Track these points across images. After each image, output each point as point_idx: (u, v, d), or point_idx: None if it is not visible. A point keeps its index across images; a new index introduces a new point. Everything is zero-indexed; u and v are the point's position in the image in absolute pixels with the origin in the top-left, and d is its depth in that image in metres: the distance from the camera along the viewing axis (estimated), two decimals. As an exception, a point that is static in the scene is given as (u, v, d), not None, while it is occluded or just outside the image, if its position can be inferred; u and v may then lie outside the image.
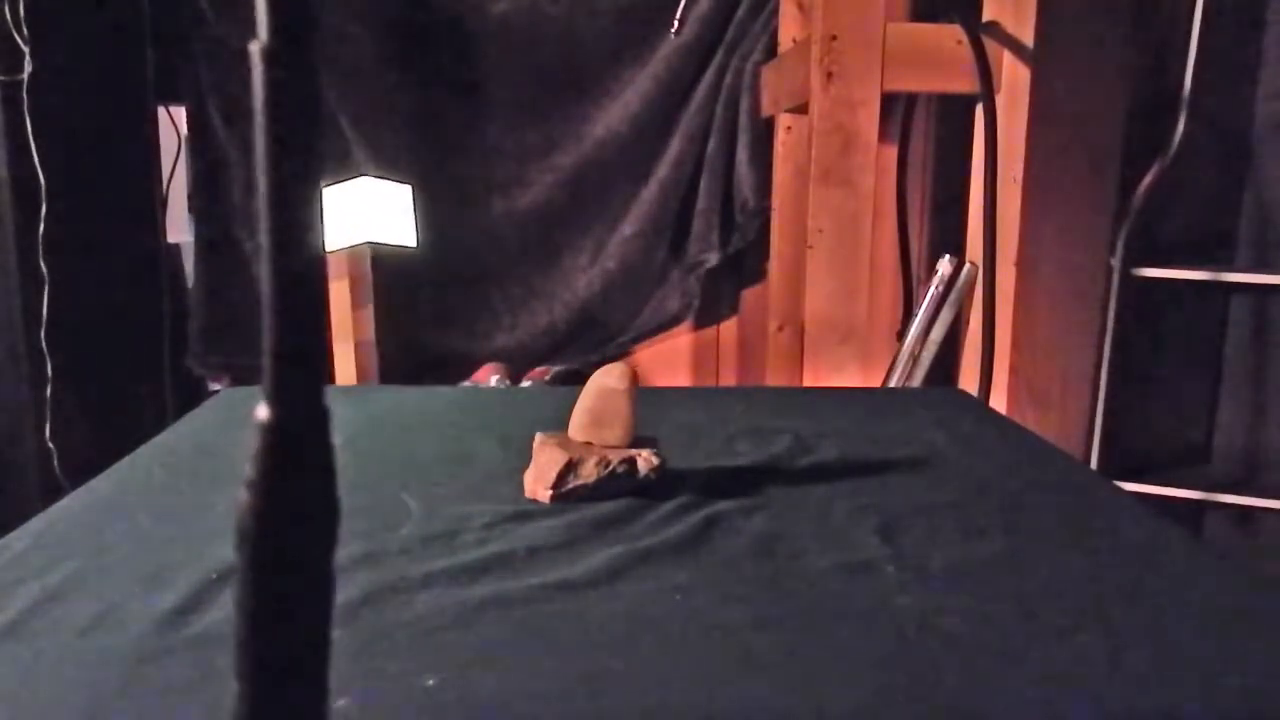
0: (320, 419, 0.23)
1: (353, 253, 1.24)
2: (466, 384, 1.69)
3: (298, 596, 0.23)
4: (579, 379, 1.66)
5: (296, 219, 0.22)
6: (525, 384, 1.84)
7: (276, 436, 0.23)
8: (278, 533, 0.23)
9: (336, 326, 1.27)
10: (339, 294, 1.25)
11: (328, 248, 1.28)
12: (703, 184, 2.07)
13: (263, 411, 0.22)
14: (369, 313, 1.27)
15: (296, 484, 0.23)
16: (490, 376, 1.80)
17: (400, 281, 2.09)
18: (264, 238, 0.22)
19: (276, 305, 0.22)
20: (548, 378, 1.94)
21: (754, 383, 2.09)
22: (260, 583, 0.23)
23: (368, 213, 1.28)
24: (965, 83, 1.49)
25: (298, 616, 0.24)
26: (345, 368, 1.20)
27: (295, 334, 0.23)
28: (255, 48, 0.22)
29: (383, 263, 2.08)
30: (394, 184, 1.33)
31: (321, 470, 0.23)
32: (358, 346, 1.20)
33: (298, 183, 0.22)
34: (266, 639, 0.23)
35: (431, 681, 0.47)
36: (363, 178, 1.28)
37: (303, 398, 0.23)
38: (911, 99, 1.85)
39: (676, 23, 1.80)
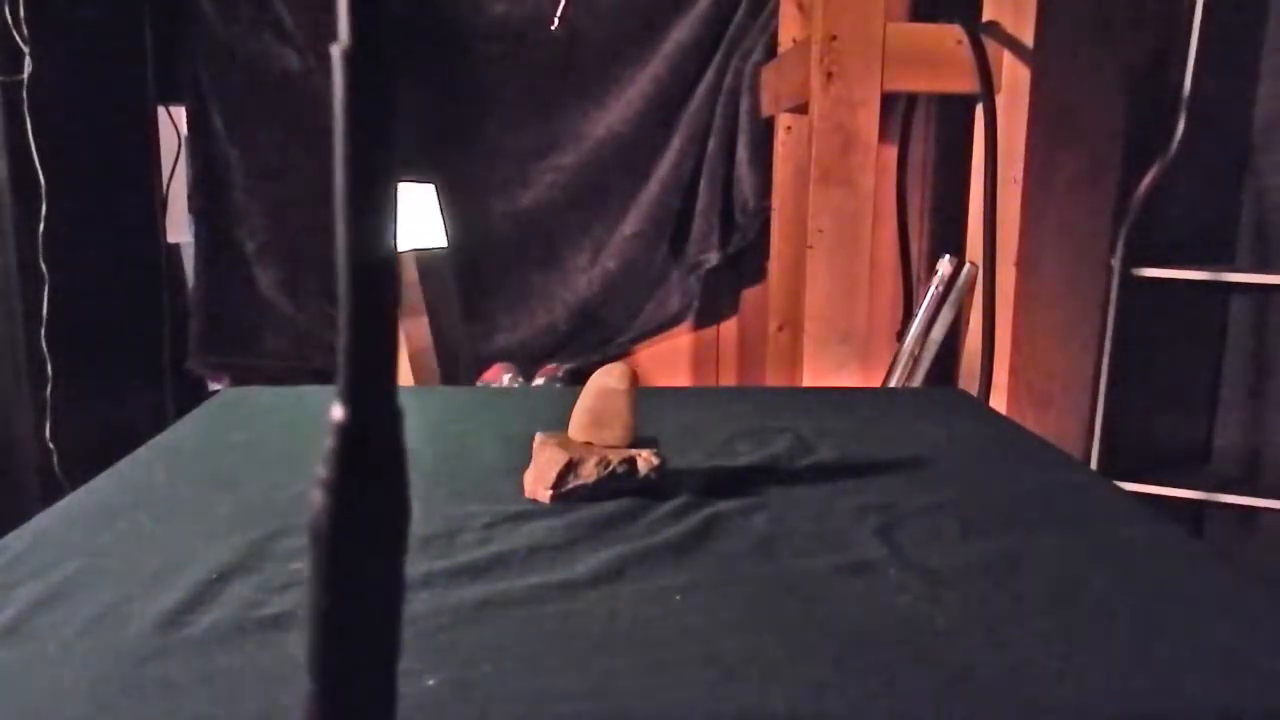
0: (393, 420, 0.23)
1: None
2: (479, 384, 1.69)
3: (370, 596, 0.24)
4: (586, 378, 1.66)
5: (373, 220, 0.23)
6: (538, 382, 1.84)
7: (351, 437, 0.23)
8: (352, 533, 0.23)
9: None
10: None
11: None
12: (703, 184, 2.07)
13: (338, 412, 0.23)
14: (422, 322, 1.23)
15: (370, 485, 0.23)
16: (502, 375, 1.80)
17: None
18: (340, 238, 0.22)
19: (352, 306, 0.23)
20: (559, 374, 1.94)
21: (754, 383, 2.09)
22: (333, 582, 0.23)
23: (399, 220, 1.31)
24: (965, 83, 1.49)
25: (370, 615, 0.24)
26: (404, 379, 1.19)
27: (370, 334, 0.23)
28: (336, 50, 0.22)
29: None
30: (417, 184, 1.29)
31: (394, 471, 0.24)
32: (413, 357, 1.17)
33: (375, 184, 0.23)
34: (339, 638, 0.24)
35: (432, 681, 0.47)
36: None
37: (377, 398, 0.23)
38: (911, 99, 1.85)
39: (558, 19, 1.80)
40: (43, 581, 0.57)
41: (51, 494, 1.57)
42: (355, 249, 0.23)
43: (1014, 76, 1.49)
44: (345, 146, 0.22)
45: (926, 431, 0.94)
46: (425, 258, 1.21)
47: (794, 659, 0.50)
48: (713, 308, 2.20)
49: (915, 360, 1.62)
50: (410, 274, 1.24)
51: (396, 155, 0.23)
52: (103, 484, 0.77)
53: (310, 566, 0.23)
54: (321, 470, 0.23)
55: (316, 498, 0.23)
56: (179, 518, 0.69)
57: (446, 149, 2.06)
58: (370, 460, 0.23)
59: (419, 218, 1.28)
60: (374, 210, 0.23)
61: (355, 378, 0.23)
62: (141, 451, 0.87)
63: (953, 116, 1.81)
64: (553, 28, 1.81)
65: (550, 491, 0.72)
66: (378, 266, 0.23)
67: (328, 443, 0.23)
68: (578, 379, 1.68)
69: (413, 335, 1.20)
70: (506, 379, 1.79)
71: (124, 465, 0.82)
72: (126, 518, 0.69)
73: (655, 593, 0.58)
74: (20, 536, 0.64)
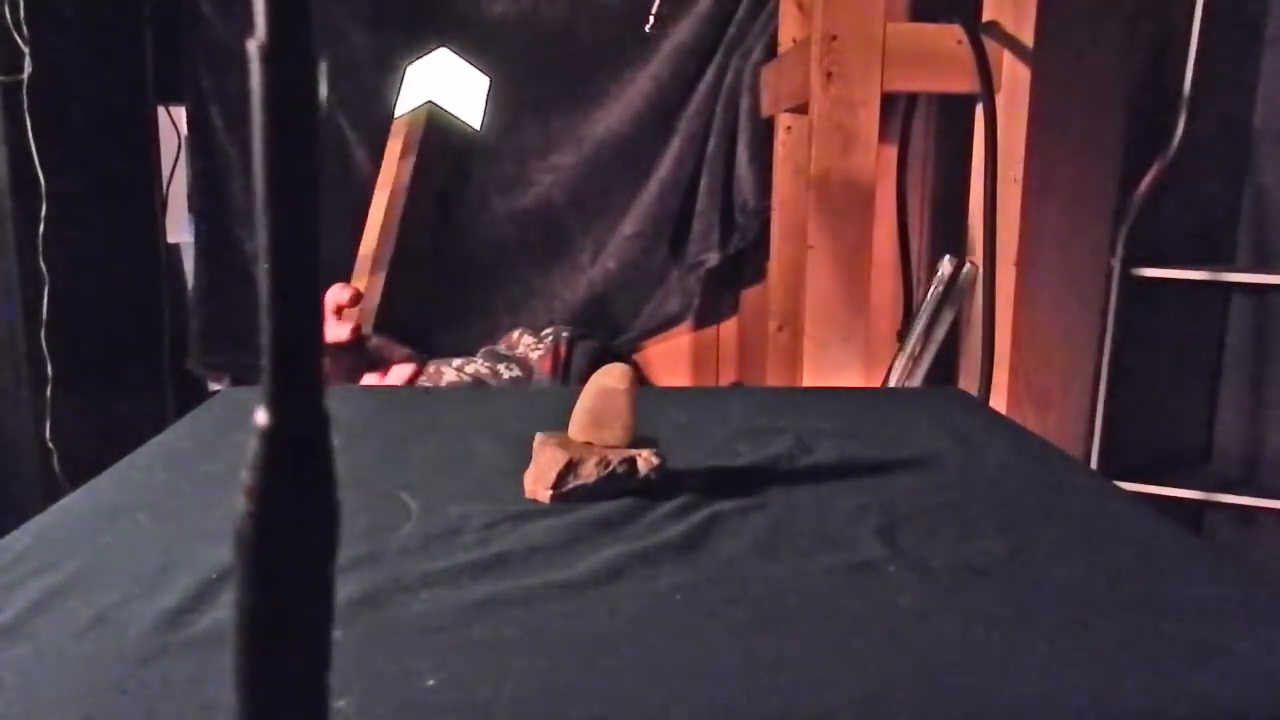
0: (320, 424, 0.23)
1: (413, 118, 1.19)
2: (500, 347, 1.69)
3: (298, 603, 0.23)
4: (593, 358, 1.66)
5: (296, 220, 0.22)
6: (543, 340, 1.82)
7: (275, 442, 0.22)
8: (277, 539, 0.23)
9: (383, 174, 1.21)
10: (390, 153, 1.21)
11: (398, 113, 1.12)
12: (703, 184, 2.07)
13: (262, 416, 0.22)
14: (409, 164, 1.19)
15: (296, 490, 0.23)
16: (519, 337, 1.80)
17: (399, 280, 2.09)
18: (261, 238, 0.22)
19: (275, 308, 0.22)
20: (565, 335, 1.92)
21: (754, 383, 2.09)
22: (260, 589, 0.23)
23: (440, 79, 1.20)
24: (965, 83, 1.49)
25: (298, 623, 0.24)
26: (375, 215, 1.19)
27: (294, 337, 0.22)
28: (253, 46, 0.21)
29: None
30: (475, 69, 1.23)
31: (321, 476, 0.23)
32: (392, 195, 1.19)
33: (297, 183, 0.22)
34: (266, 645, 0.23)
35: (431, 682, 0.47)
36: (443, 51, 1.20)
37: (302, 402, 0.23)
38: (911, 99, 1.85)
39: (652, 17, 1.80)
40: (42, 582, 0.57)
41: (51, 494, 1.57)
42: (277, 251, 0.22)
43: (1014, 76, 1.49)
44: (264, 146, 0.22)
45: (926, 431, 0.94)
46: (441, 118, 1.19)
47: (794, 659, 0.50)
48: (713, 308, 2.20)
49: (915, 360, 1.62)
50: (417, 117, 1.19)
51: (319, 155, 0.22)
52: (102, 484, 0.77)
53: (236, 574, 0.23)
54: (245, 475, 0.22)
55: (241, 503, 0.22)
56: (179, 518, 0.69)
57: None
58: (296, 465, 0.23)
59: (466, 94, 1.23)
60: (294, 212, 0.22)
61: (279, 381, 0.22)
62: (141, 451, 0.87)
63: (953, 116, 1.81)
64: (647, 28, 1.82)
65: (550, 491, 0.72)
66: (301, 269, 0.22)
67: (251, 448, 0.22)
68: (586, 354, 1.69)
69: (399, 174, 1.19)
70: (517, 336, 1.78)
71: (124, 465, 0.82)
72: (126, 518, 0.69)
73: (655, 593, 0.58)
74: (19, 537, 0.64)
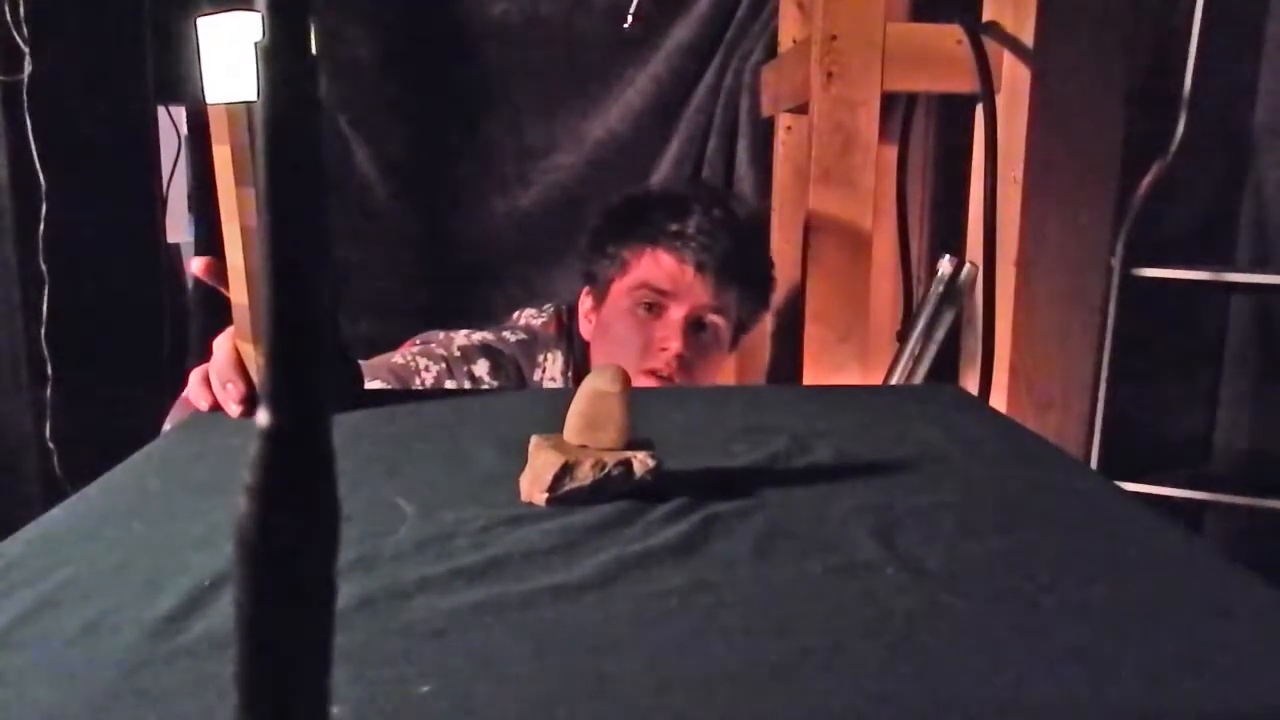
0: (322, 425, 0.23)
1: (231, 112, 0.93)
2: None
3: (299, 605, 0.23)
4: None
5: (297, 218, 0.22)
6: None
7: (277, 442, 0.22)
8: (278, 541, 0.23)
9: (223, 200, 0.99)
10: (222, 161, 0.96)
11: (210, 100, 0.90)
12: (703, 184, 2.07)
13: (263, 417, 0.22)
14: (251, 194, 0.94)
15: (298, 491, 0.23)
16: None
17: (400, 280, 2.09)
18: (261, 236, 0.22)
19: (276, 308, 0.22)
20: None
21: (754, 383, 2.09)
22: (261, 590, 0.23)
23: (251, 60, 0.87)
24: (965, 83, 1.49)
25: (299, 625, 0.24)
26: (234, 255, 1.00)
27: (296, 337, 0.22)
28: (255, 45, 0.22)
29: (382, 260, 2.08)
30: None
31: (323, 477, 0.23)
32: (244, 232, 0.97)
33: (298, 182, 0.22)
34: (267, 648, 0.23)
35: (426, 688, 0.46)
36: (241, 11, 0.88)
37: (304, 403, 0.23)
38: (911, 99, 1.85)
39: (630, 16, 1.79)
40: (34, 590, 0.57)
41: (52, 494, 1.58)
42: (277, 249, 0.22)
43: (1014, 76, 1.49)
44: (266, 143, 0.22)
45: (925, 431, 0.94)
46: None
47: (791, 661, 0.50)
48: (713, 307, 2.19)
49: (916, 360, 1.61)
50: (242, 136, 0.92)
51: (321, 152, 0.23)
52: (95, 491, 0.77)
53: (236, 576, 0.23)
54: (246, 476, 0.22)
55: (241, 504, 0.22)
56: (173, 524, 0.69)
57: (446, 148, 2.06)
58: (297, 466, 0.23)
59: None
60: (298, 209, 0.22)
61: (280, 381, 0.23)
62: (135, 457, 0.86)
63: (953, 116, 1.81)
64: (625, 26, 1.81)
65: (546, 495, 0.72)
66: (303, 267, 0.22)
67: (252, 448, 0.22)
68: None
69: (244, 207, 0.97)
70: (517, 315, 1.77)
71: (119, 471, 0.82)
72: (120, 524, 0.68)
73: (652, 595, 0.58)
74: (13, 544, 0.64)
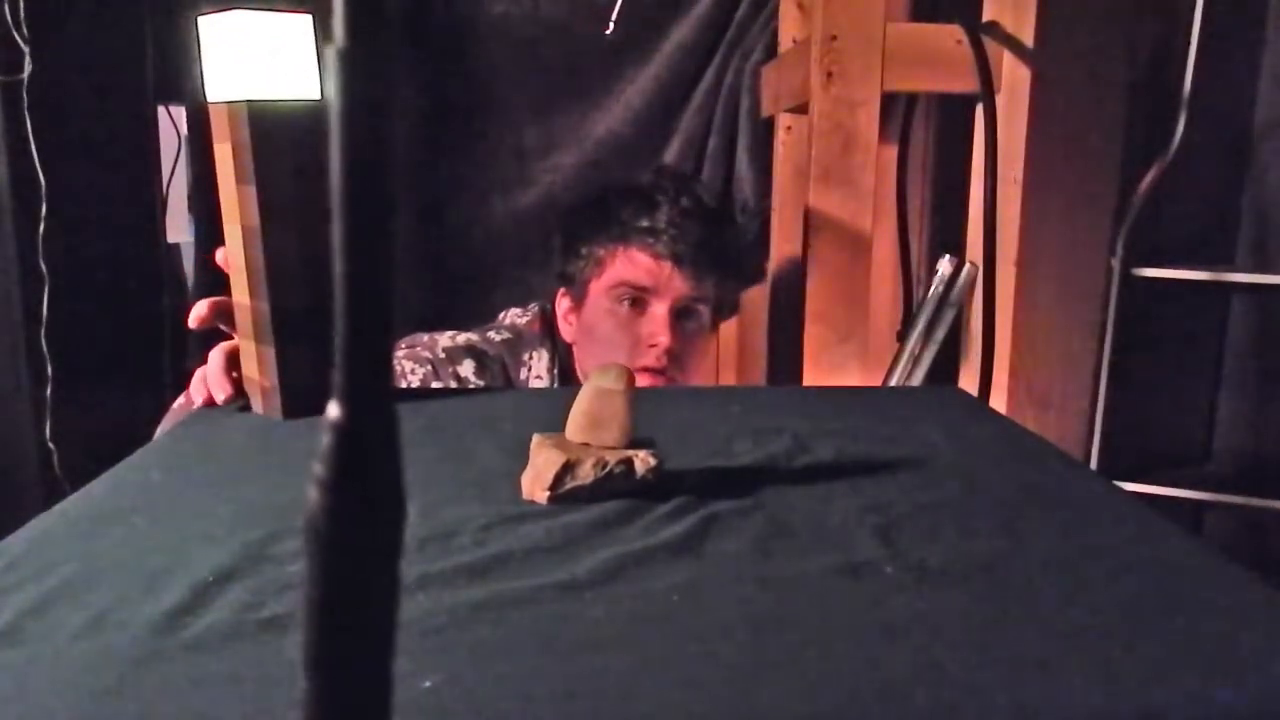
0: (389, 418, 0.24)
1: (231, 111, 0.92)
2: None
3: (366, 594, 0.24)
4: None
5: (371, 218, 0.23)
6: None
7: (348, 435, 0.23)
8: (348, 531, 0.23)
9: (224, 200, 0.99)
10: (223, 160, 0.95)
11: (210, 99, 0.91)
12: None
13: (334, 410, 0.23)
14: (251, 192, 0.93)
15: (366, 483, 0.24)
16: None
17: (399, 280, 2.09)
18: (336, 237, 0.22)
19: (348, 304, 0.23)
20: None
21: (754, 383, 2.09)
22: (329, 579, 0.24)
23: (254, 57, 0.89)
24: (965, 83, 1.49)
25: (366, 614, 0.24)
26: (235, 256, 1.02)
27: (366, 333, 0.23)
28: (331, 50, 0.22)
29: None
30: (288, 15, 0.89)
31: (390, 470, 0.24)
32: (245, 231, 0.98)
33: (372, 182, 0.23)
34: (335, 635, 0.24)
35: (428, 683, 0.47)
36: (242, 10, 0.88)
37: (373, 396, 0.24)
38: (911, 99, 1.85)
39: (613, 23, 1.80)
40: (38, 586, 0.57)
41: (52, 494, 1.58)
42: (351, 248, 0.23)
43: (1014, 76, 1.49)
44: (343, 146, 0.22)
45: (925, 431, 0.94)
46: (268, 111, 0.89)
47: (791, 659, 0.50)
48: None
49: (915, 360, 1.62)
50: (243, 134, 0.91)
51: (392, 155, 0.23)
52: (100, 487, 0.77)
53: (306, 564, 0.23)
54: (317, 468, 0.23)
55: (312, 496, 0.23)
56: (176, 520, 0.69)
57: (446, 148, 2.06)
58: (366, 459, 0.24)
59: (288, 59, 0.90)
60: (371, 210, 0.23)
61: (352, 376, 0.23)
62: (139, 453, 0.87)
63: (953, 116, 1.81)
64: (607, 31, 1.82)
65: (547, 493, 0.72)
66: (375, 265, 0.23)
67: (324, 441, 0.23)
68: None
69: (245, 207, 0.96)
70: (501, 315, 1.78)
71: (120, 469, 0.82)
72: (123, 521, 0.69)
73: (652, 593, 0.58)
74: (14, 542, 0.64)
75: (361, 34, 0.22)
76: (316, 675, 0.24)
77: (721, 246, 1.55)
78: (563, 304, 1.61)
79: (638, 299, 1.49)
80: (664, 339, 1.46)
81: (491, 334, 1.59)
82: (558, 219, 1.71)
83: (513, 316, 1.68)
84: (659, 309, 1.48)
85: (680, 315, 1.50)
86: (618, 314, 1.49)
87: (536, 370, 1.59)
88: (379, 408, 0.24)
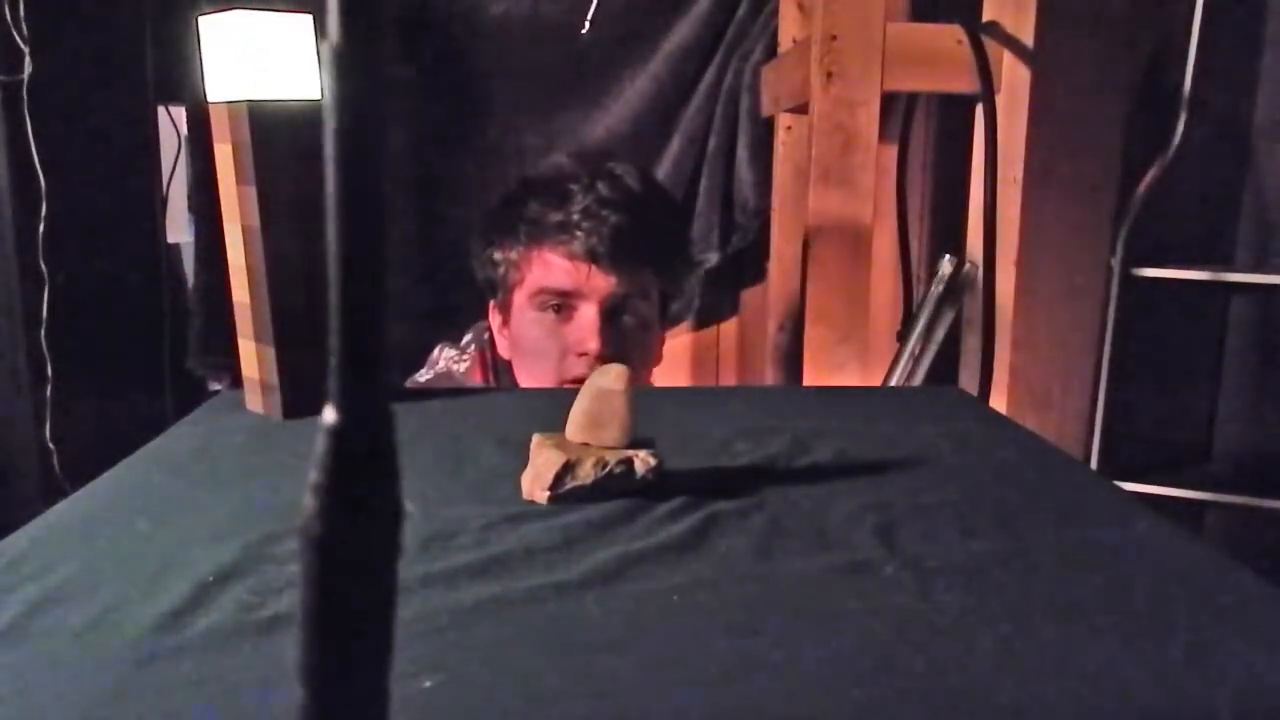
0: (385, 423, 0.24)
1: (231, 111, 0.93)
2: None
3: (362, 600, 0.24)
4: None
5: (363, 222, 0.23)
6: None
7: (342, 439, 0.23)
8: (343, 536, 0.23)
9: (224, 200, 0.99)
10: (223, 160, 0.96)
11: (210, 99, 0.91)
12: (703, 184, 2.07)
13: (329, 415, 0.23)
14: (251, 193, 0.94)
15: (362, 487, 0.23)
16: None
17: (398, 280, 2.09)
18: (331, 241, 0.22)
19: (342, 309, 0.23)
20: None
21: (754, 383, 2.09)
22: (325, 585, 0.23)
23: (255, 57, 0.90)
24: (965, 83, 1.49)
25: (362, 619, 0.24)
26: (235, 256, 1.01)
27: (361, 337, 0.23)
28: (325, 48, 0.22)
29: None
30: (288, 15, 0.90)
31: (386, 474, 0.24)
32: (245, 231, 0.98)
33: (365, 187, 0.22)
34: (331, 642, 0.24)
35: (428, 683, 0.47)
36: (242, 10, 0.88)
37: (368, 401, 0.23)
38: (911, 99, 1.85)
39: (589, 23, 1.79)
40: (38, 586, 0.57)
41: (51, 494, 1.57)
42: (344, 252, 0.23)
43: (1014, 76, 1.49)
44: (334, 148, 0.22)
45: (926, 431, 0.94)
46: (268, 111, 0.90)
47: (791, 659, 0.50)
48: (713, 308, 2.19)
49: (915, 360, 1.61)
50: (243, 134, 0.91)
51: (384, 153, 0.23)
52: (100, 487, 0.77)
53: (301, 570, 0.23)
54: (312, 473, 0.23)
55: (308, 501, 0.23)
56: (176, 520, 0.69)
57: (446, 149, 2.06)
58: (362, 463, 0.23)
59: (287, 59, 0.91)
60: (364, 212, 0.23)
61: (346, 380, 0.23)
62: (140, 453, 0.87)
63: (953, 116, 1.81)
64: (583, 31, 1.80)
65: (547, 493, 0.72)
66: (368, 269, 0.23)
67: (319, 445, 0.23)
68: None
69: (245, 205, 0.97)
70: (437, 353, 1.72)
71: (122, 468, 0.82)
72: (123, 521, 0.69)
73: (653, 593, 0.58)
74: (15, 541, 0.64)
75: (354, 32, 0.22)
76: (312, 685, 0.24)
77: (651, 232, 1.37)
78: (495, 319, 1.47)
79: (562, 305, 1.34)
80: (593, 345, 1.31)
81: (421, 377, 1.47)
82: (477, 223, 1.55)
83: (447, 360, 1.53)
84: (587, 312, 1.32)
85: (613, 315, 1.34)
86: (544, 323, 1.35)
87: None
88: (373, 411, 0.23)
